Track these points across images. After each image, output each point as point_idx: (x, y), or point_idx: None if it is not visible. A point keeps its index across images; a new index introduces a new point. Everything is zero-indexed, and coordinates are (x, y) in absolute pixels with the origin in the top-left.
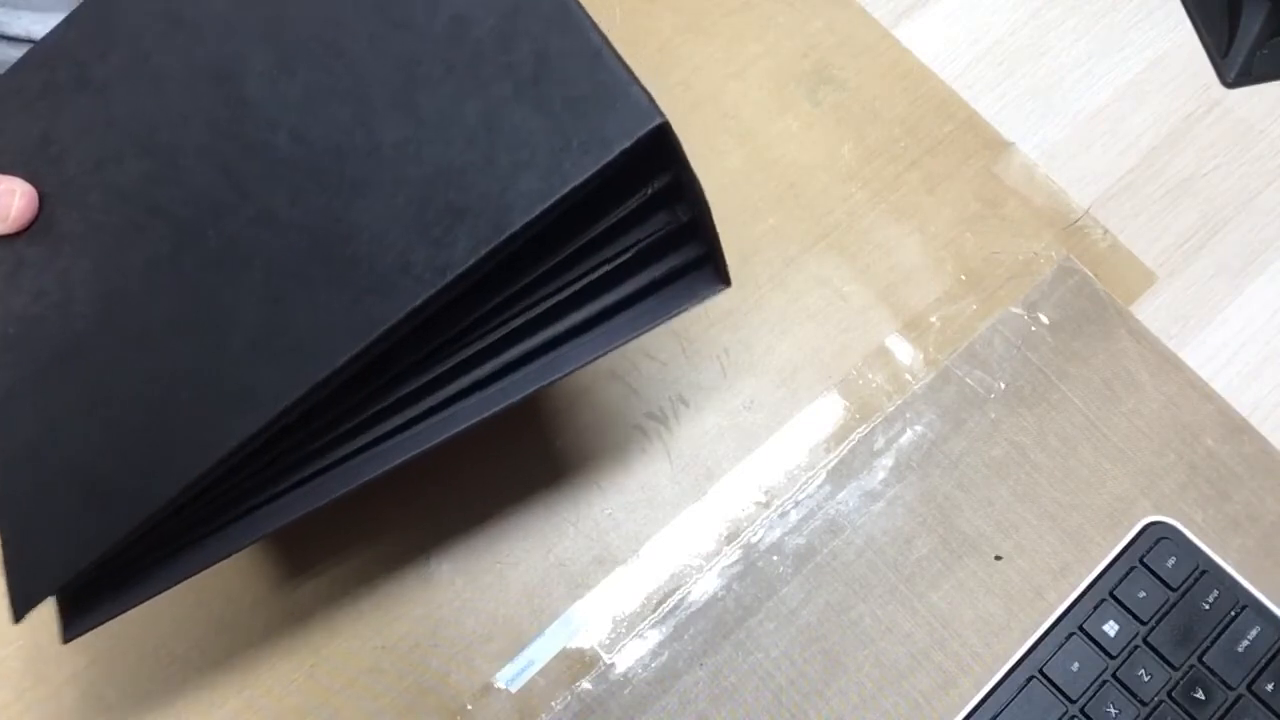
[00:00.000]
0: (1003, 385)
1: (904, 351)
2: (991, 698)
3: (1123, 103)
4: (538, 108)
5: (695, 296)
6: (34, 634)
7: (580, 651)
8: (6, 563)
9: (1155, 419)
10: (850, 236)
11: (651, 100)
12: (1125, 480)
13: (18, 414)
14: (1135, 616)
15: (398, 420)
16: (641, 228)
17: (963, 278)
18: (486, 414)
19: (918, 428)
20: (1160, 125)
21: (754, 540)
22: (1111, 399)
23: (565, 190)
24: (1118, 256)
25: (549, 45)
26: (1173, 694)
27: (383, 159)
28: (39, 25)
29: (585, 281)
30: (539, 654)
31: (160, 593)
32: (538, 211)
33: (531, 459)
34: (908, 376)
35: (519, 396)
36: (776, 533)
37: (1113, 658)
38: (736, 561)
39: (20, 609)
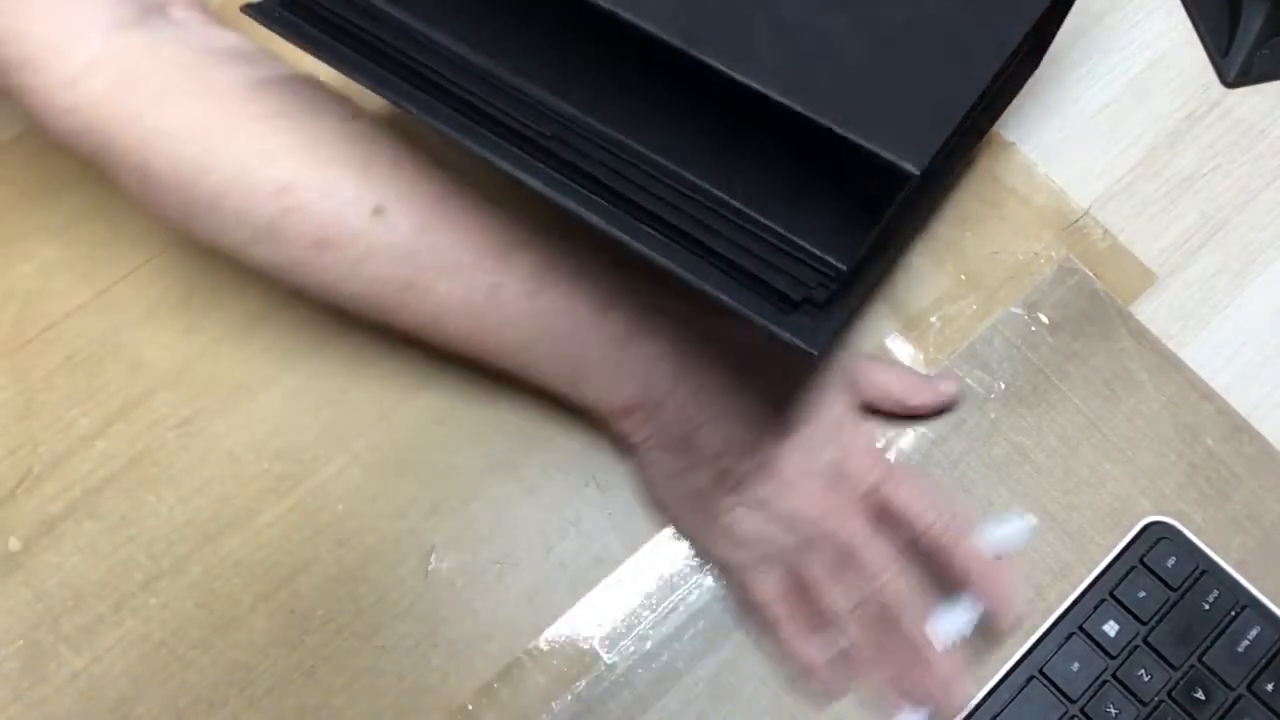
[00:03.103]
0: (1003, 385)
1: (904, 351)
2: (991, 698)
3: (1123, 103)
4: None
5: None
6: (34, 634)
7: (580, 651)
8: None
9: (1155, 419)
10: None
11: None
12: (1125, 480)
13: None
14: (1135, 616)
15: None
16: None
17: (963, 278)
18: None
19: (918, 428)
20: (1160, 125)
21: None
22: (1111, 399)
23: None
24: (1118, 256)
25: None
26: (1173, 694)
27: None
28: None
29: None
30: (539, 654)
31: None
32: None
33: (531, 458)
34: None
35: None
36: None
37: (1113, 658)
38: None
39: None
